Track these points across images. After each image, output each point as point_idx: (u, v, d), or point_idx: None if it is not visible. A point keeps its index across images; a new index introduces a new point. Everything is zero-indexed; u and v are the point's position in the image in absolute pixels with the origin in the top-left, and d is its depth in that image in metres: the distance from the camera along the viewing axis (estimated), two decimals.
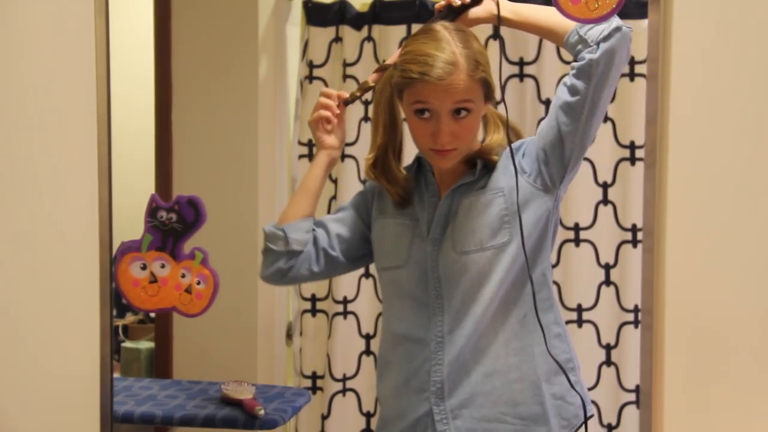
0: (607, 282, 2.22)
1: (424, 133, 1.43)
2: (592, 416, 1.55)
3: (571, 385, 1.47)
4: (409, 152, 1.56)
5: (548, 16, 1.46)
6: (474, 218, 1.46)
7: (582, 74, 1.41)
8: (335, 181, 2.33)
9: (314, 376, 2.38)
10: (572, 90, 1.43)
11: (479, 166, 1.49)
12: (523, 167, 1.48)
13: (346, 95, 1.57)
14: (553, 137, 1.45)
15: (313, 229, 1.56)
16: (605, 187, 2.22)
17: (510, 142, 1.48)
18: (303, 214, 1.56)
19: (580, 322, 2.21)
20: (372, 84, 1.55)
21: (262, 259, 1.56)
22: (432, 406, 1.47)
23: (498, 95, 1.52)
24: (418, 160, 1.56)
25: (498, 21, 1.48)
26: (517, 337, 1.45)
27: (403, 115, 1.50)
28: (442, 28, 1.43)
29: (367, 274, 2.31)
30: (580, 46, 1.42)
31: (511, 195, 1.45)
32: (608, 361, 2.23)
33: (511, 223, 1.45)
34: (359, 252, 1.59)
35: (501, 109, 1.53)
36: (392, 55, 1.53)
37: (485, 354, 1.46)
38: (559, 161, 1.45)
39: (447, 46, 1.39)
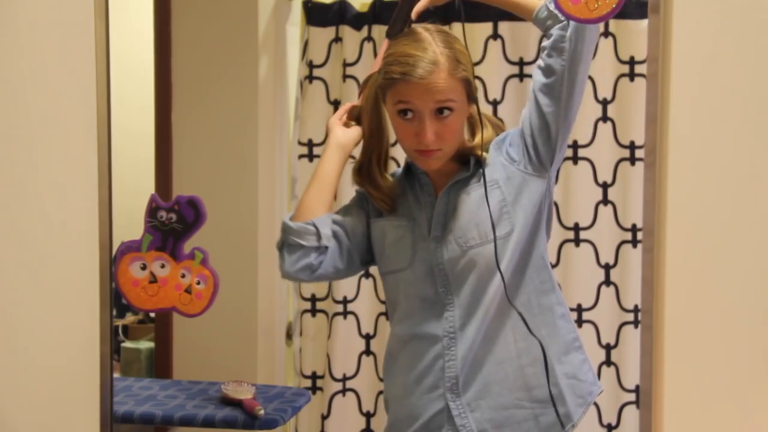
0: (607, 282, 2.22)
1: (408, 133, 1.44)
2: (602, 391, 1.57)
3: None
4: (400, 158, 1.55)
5: None
6: (475, 212, 1.47)
7: (555, 52, 1.41)
8: None
9: (314, 376, 2.38)
10: (547, 70, 1.43)
11: (472, 162, 1.50)
12: (511, 156, 1.49)
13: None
14: (537, 121, 1.45)
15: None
16: (605, 187, 2.21)
17: (482, 135, 1.49)
18: (325, 207, 1.50)
19: (580, 322, 2.21)
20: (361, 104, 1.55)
21: (286, 253, 1.48)
22: (448, 402, 1.47)
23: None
24: (408, 165, 1.56)
25: None
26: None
27: (389, 122, 1.51)
28: (423, 30, 1.44)
29: (367, 275, 2.30)
30: (550, 21, 1.42)
31: (507, 185, 1.46)
32: (608, 361, 2.23)
33: (510, 213, 1.45)
34: (369, 256, 1.57)
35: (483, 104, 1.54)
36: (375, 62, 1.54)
37: (495, 343, 1.47)
38: (546, 144, 1.46)
39: (428, 47, 1.40)
